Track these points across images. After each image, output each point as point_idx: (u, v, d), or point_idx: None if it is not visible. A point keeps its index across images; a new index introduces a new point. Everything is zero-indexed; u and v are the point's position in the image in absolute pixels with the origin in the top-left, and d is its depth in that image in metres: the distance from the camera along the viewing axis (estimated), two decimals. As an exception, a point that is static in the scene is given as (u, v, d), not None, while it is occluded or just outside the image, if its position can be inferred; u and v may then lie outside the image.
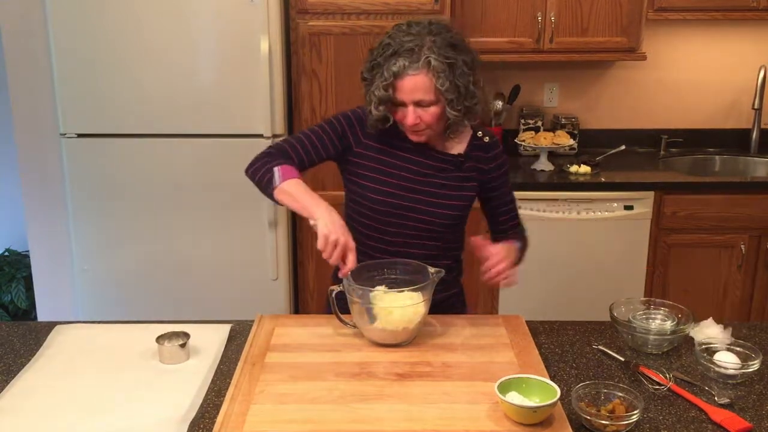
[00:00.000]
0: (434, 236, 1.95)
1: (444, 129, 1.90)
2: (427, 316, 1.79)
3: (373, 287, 1.77)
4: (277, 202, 1.83)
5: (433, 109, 1.81)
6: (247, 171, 1.89)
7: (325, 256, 1.71)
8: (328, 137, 1.93)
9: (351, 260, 1.72)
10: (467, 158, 1.95)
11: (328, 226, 1.70)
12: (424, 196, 1.92)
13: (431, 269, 1.79)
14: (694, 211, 3.27)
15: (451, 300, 2.04)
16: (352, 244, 1.73)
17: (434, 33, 1.79)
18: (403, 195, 1.91)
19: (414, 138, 1.89)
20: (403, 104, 1.81)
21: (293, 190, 1.79)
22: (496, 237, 2.03)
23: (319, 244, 1.70)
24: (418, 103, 1.80)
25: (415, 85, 1.77)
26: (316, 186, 2.97)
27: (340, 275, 1.75)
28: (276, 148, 1.91)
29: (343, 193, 2.01)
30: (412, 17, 1.86)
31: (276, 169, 1.80)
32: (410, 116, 1.81)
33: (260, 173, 1.84)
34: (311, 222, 1.74)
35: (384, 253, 1.92)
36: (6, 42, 3.07)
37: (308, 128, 1.97)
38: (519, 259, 1.97)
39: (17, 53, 3.07)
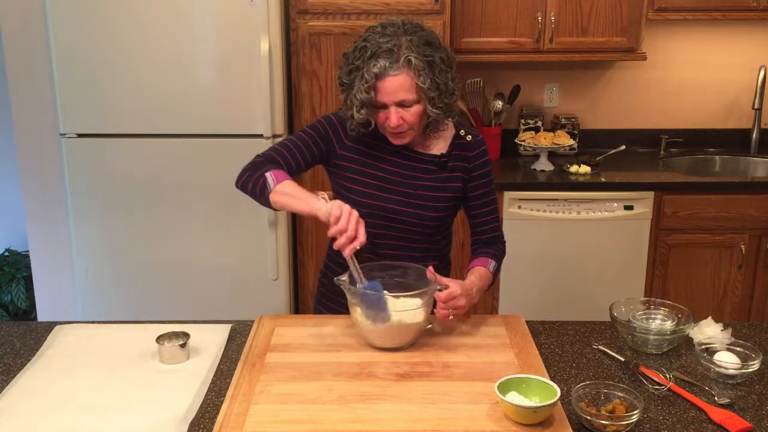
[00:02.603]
0: (420, 237, 1.94)
1: (425, 128, 1.89)
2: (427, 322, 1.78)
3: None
4: (273, 207, 1.81)
5: (415, 109, 1.80)
6: (237, 183, 1.87)
7: (340, 225, 1.64)
8: (313, 141, 1.93)
9: (362, 233, 1.66)
10: (450, 158, 1.94)
11: (336, 203, 1.67)
12: (407, 197, 1.92)
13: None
14: (694, 211, 3.27)
15: None
16: (360, 219, 1.68)
17: (409, 32, 1.78)
18: (387, 197, 1.91)
19: (396, 141, 1.89)
20: (385, 106, 1.80)
21: (289, 190, 1.77)
22: (474, 247, 2.01)
23: (334, 214, 1.64)
24: (400, 104, 1.79)
25: (397, 85, 1.76)
26: (316, 186, 3.00)
27: (346, 253, 1.67)
28: (263, 156, 1.89)
29: None
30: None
31: (268, 175, 1.79)
32: (393, 117, 1.80)
33: (252, 182, 1.82)
34: (317, 202, 1.69)
35: (370, 253, 1.90)
36: (6, 42, 3.07)
37: (293, 135, 1.97)
38: (491, 282, 1.93)
39: (17, 53, 3.07)
